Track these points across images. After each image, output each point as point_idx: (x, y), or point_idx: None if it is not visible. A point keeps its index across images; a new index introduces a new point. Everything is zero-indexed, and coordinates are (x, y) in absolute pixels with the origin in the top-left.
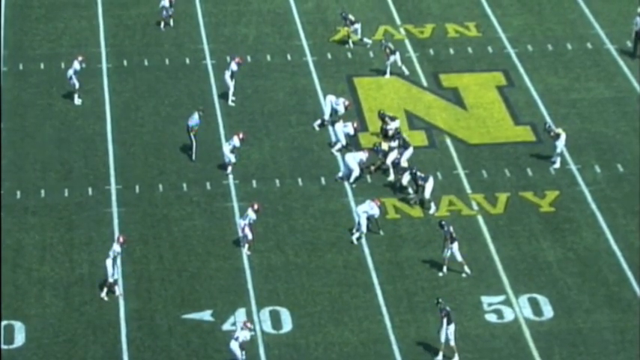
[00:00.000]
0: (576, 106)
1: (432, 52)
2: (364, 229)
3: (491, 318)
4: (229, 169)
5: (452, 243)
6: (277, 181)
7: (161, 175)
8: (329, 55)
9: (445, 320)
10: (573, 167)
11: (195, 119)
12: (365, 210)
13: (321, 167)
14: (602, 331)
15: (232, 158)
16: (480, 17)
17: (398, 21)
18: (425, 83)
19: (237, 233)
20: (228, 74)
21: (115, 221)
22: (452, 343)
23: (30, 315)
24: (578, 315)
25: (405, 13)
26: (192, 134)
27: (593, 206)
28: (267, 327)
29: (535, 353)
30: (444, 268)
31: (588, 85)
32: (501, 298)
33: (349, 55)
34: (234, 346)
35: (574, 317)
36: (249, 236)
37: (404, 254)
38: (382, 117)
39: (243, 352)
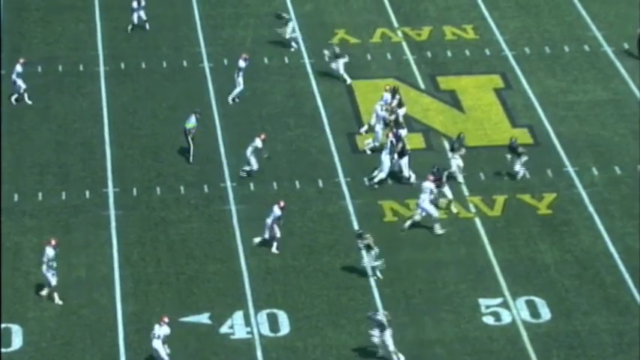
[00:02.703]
0: (574, 108)
1: (429, 54)
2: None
3: (489, 320)
4: (248, 168)
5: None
6: (275, 184)
7: (159, 177)
8: (327, 58)
9: (378, 329)
10: (571, 170)
11: (192, 121)
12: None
13: (318, 170)
14: (600, 334)
15: (254, 163)
16: (478, 20)
17: (395, 23)
18: (422, 86)
19: (236, 237)
20: (238, 73)
21: (113, 224)
22: (391, 348)
23: (27, 318)
24: (576, 317)
25: (403, 15)
26: (189, 137)
27: (591, 209)
28: (265, 330)
29: (533, 356)
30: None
31: (586, 87)
32: (499, 300)
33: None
34: (157, 344)
35: (572, 319)
36: (277, 234)
37: (401, 257)
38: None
39: (166, 346)
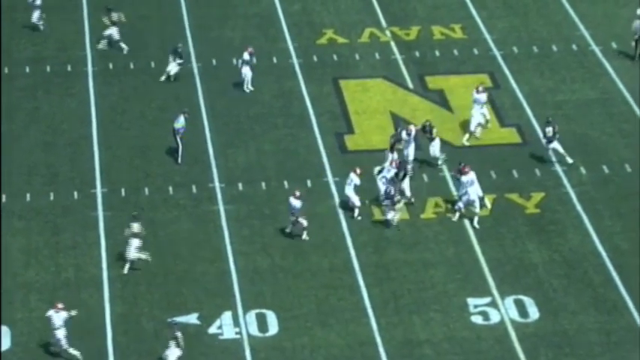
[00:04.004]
0: (562, 107)
1: (417, 54)
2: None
3: (477, 320)
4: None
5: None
6: (263, 184)
7: (147, 178)
8: (315, 58)
9: (174, 343)
10: (559, 169)
11: (180, 121)
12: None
13: (306, 170)
14: (588, 333)
15: (356, 201)
16: (466, 19)
17: (384, 23)
18: (411, 85)
19: (225, 237)
20: (245, 66)
21: (101, 225)
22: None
23: (16, 319)
24: (564, 316)
25: (391, 15)
26: (178, 137)
27: (579, 208)
28: (254, 330)
29: (521, 355)
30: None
31: (574, 86)
32: (487, 299)
33: (335, 57)
34: (60, 334)
35: (560, 319)
36: (356, 202)
37: (390, 256)
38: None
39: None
